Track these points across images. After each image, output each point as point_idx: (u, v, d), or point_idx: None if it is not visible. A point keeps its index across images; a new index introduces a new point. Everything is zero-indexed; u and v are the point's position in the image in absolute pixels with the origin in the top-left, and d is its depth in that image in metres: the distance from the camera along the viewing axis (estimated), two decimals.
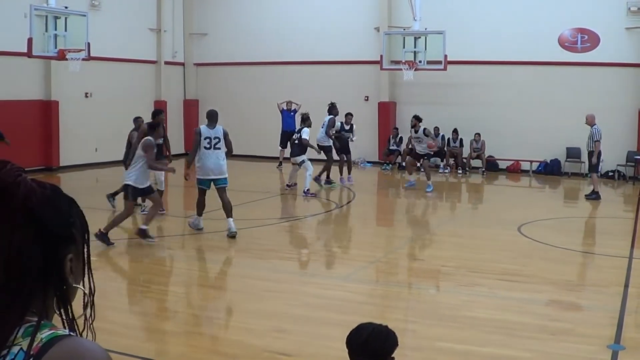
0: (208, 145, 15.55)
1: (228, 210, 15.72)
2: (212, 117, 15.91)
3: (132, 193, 14.71)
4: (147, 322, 10.01)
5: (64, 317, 2.07)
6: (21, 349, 1.88)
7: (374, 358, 4.35)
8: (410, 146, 29.13)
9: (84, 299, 2.14)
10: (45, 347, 1.87)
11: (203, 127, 15.80)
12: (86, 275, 2.15)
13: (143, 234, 14.69)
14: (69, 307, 2.08)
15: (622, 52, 26.65)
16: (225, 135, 15.74)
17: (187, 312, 10.72)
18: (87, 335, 2.09)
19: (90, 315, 2.15)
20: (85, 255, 2.13)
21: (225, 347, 8.85)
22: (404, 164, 29.13)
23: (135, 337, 9.14)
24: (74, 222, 2.07)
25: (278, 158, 29.50)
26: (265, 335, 9.20)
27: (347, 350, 4.43)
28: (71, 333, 1.99)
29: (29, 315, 1.95)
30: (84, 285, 2.14)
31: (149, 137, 14.59)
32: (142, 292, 11.67)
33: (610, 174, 26.82)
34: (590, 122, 21.70)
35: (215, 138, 15.60)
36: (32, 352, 1.86)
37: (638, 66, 26.59)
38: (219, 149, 15.69)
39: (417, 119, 23.27)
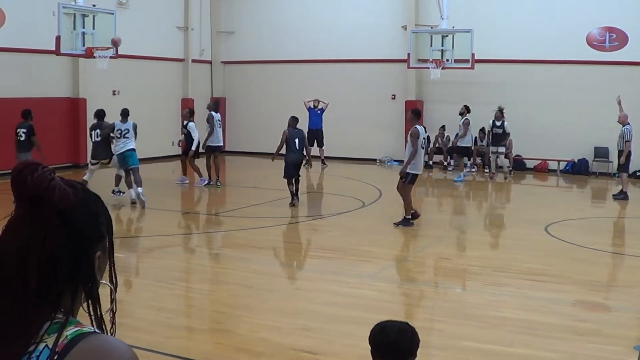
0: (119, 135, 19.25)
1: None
2: (124, 114, 19.42)
3: None
4: (172, 319, 10.03)
5: (92, 314, 2.08)
6: (46, 346, 1.88)
7: (401, 358, 4.35)
8: (437, 144, 29.14)
9: (110, 294, 2.16)
10: (71, 345, 1.88)
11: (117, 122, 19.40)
12: (111, 270, 2.16)
13: None
14: (97, 303, 2.09)
15: None
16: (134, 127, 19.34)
17: (212, 310, 10.75)
18: (114, 330, 2.11)
19: (115, 309, 2.16)
20: (110, 254, 2.15)
21: (251, 344, 8.85)
22: (431, 162, 29.12)
23: (161, 334, 9.16)
24: (102, 221, 2.09)
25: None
26: (291, 333, 9.20)
27: (370, 348, 4.42)
28: (96, 330, 2.00)
29: (56, 314, 1.96)
30: (109, 281, 2.16)
31: None
32: (167, 289, 11.70)
33: (638, 173, 26.60)
34: (623, 121, 21.56)
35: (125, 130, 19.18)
36: (57, 350, 1.87)
37: None
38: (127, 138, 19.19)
39: (467, 108, 23.81)
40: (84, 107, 27.14)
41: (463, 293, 11.86)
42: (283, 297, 11.04)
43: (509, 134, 25.71)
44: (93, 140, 19.85)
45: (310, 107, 29.78)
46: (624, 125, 21.49)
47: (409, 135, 16.67)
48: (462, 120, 25.58)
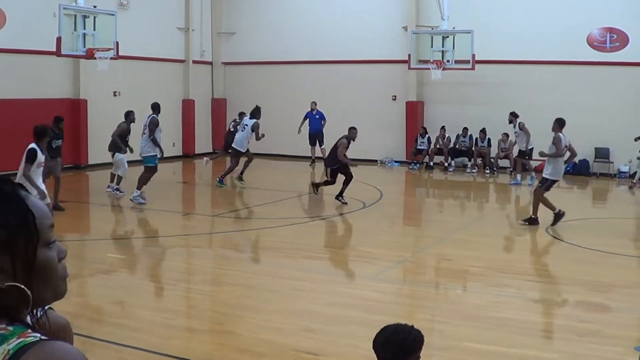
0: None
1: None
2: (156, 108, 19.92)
3: None
4: (173, 320, 10.03)
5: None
6: None
7: (397, 355, 4.39)
8: (438, 145, 29.13)
9: (22, 297, 1.95)
10: (14, 359, 1.77)
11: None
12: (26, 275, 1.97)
13: None
14: (22, 307, 1.93)
15: None
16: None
17: (213, 310, 10.75)
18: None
19: (37, 317, 2.06)
20: (22, 257, 1.95)
21: (252, 345, 8.85)
22: (431, 163, 29.11)
23: (161, 335, 9.15)
24: None
25: (310, 157, 29.64)
26: (293, 334, 9.20)
27: (373, 351, 4.48)
28: (42, 337, 1.86)
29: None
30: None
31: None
32: (168, 290, 11.71)
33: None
34: None
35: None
36: None
37: None
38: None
39: (514, 115, 23.71)
40: (85, 109, 27.13)
41: (464, 294, 11.86)
42: (284, 298, 11.04)
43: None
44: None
45: (309, 111, 29.79)
46: None
47: (552, 142, 17.14)
48: (517, 125, 24.86)
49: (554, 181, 17.13)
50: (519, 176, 24.07)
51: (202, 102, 33.18)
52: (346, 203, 19.36)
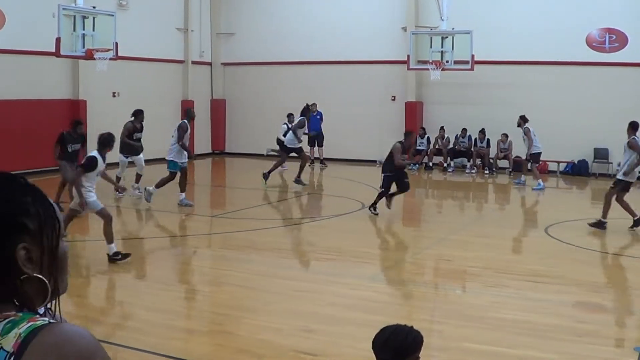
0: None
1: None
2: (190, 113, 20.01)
3: None
4: (172, 321, 10.03)
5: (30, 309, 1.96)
6: (2, 348, 1.81)
7: (396, 356, 4.42)
8: (437, 146, 29.12)
9: (48, 292, 2.00)
10: (25, 342, 1.79)
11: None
12: (51, 266, 2.02)
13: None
14: (27, 298, 1.96)
15: None
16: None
17: (213, 311, 10.76)
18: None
19: (55, 309, 2.06)
20: (48, 247, 2.00)
21: (251, 346, 8.86)
22: (430, 164, 29.11)
23: (160, 336, 9.16)
24: (25, 210, 1.97)
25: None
26: (292, 334, 9.21)
27: (372, 351, 4.51)
28: (51, 321, 1.89)
29: (7, 310, 1.89)
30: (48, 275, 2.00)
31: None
32: (168, 291, 11.71)
33: (638, 174, 26.59)
34: None
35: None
36: (12, 351, 1.79)
37: None
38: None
39: (523, 119, 23.60)
40: (84, 109, 27.10)
41: (463, 294, 11.87)
42: (284, 299, 11.05)
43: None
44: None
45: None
46: None
47: (627, 145, 17.05)
48: (523, 130, 24.63)
49: (629, 183, 16.99)
50: (541, 181, 23.94)
51: (201, 102, 33.13)
52: (377, 214, 18.21)
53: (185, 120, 19.48)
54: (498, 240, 15.97)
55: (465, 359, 8.51)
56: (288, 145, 23.55)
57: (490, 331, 9.35)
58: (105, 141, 13.41)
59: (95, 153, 13.20)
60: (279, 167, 23.83)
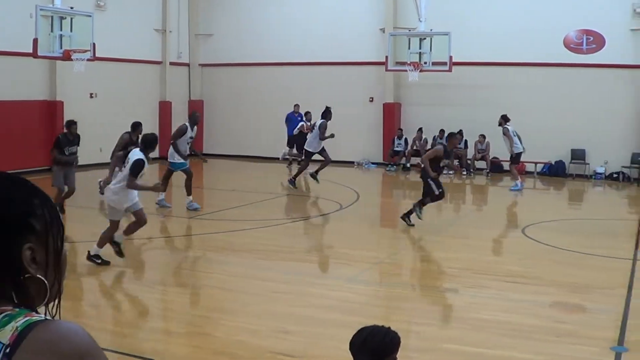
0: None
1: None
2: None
3: None
4: (149, 322, 10.00)
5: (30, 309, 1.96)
6: None
7: (374, 357, 4.42)
8: (415, 147, 29.16)
9: (47, 292, 2.01)
10: (21, 336, 1.80)
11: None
12: (54, 266, 2.04)
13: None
14: (29, 298, 1.97)
15: (627, 53, 26.60)
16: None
17: (190, 313, 10.71)
18: None
19: (55, 313, 2.05)
20: (53, 248, 2.02)
21: (229, 347, 8.82)
22: (408, 165, 29.15)
23: (138, 337, 9.12)
24: (32, 211, 1.99)
25: (287, 159, 29.58)
26: (269, 336, 9.19)
27: (350, 352, 4.50)
28: (47, 318, 1.92)
29: (4, 306, 1.90)
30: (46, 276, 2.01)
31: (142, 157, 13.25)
32: (145, 292, 11.65)
33: (615, 175, 26.80)
34: None
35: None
36: (8, 343, 1.80)
37: None
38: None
39: (504, 118, 23.65)
40: (61, 110, 26.95)
41: (442, 295, 11.87)
42: (261, 300, 11.01)
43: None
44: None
45: (291, 112, 29.73)
46: None
47: None
48: (503, 130, 24.51)
49: None
50: (518, 182, 23.96)
51: (179, 103, 33.07)
52: (413, 225, 17.15)
53: (186, 124, 19.39)
54: (476, 241, 15.99)
55: None
56: (308, 149, 23.41)
57: (469, 332, 9.35)
58: (150, 142, 13.33)
59: (140, 155, 13.02)
60: (303, 172, 23.76)
